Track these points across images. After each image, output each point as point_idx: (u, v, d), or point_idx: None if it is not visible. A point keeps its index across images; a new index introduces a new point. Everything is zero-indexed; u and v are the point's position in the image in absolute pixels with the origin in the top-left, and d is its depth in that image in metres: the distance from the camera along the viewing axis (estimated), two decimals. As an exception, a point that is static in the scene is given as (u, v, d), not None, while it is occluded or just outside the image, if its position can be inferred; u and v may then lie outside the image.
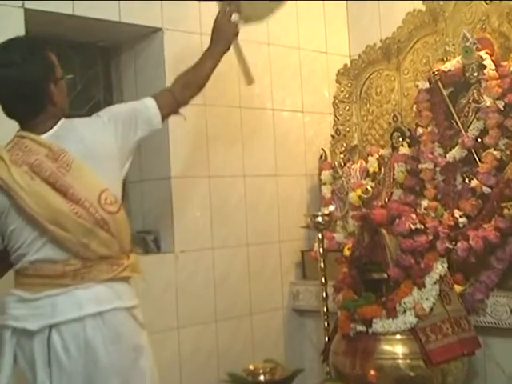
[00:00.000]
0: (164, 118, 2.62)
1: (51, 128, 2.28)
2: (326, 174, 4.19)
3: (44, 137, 2.26)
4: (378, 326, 3.13)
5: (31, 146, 2.24)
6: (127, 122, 2.41)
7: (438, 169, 3.61)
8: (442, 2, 3.83)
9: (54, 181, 2.17)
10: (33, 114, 2.28)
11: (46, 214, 2.16)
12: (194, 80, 2.81)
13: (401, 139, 3.89)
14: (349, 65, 4.40)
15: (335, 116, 4.38)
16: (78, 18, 3.36)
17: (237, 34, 3.03)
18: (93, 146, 2.27)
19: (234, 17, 3.00)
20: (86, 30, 3.53)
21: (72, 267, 2.18)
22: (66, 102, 2.43)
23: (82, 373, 2.16)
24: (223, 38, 2.93)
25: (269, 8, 3.23)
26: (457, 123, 3.57)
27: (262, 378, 3.49)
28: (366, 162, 4.07)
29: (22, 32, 3.01)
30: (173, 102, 2.68)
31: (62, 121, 2.32)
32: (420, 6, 3.96)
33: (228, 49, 2.98)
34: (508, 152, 3.32)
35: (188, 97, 2.77)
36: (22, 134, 2.29)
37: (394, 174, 3.87)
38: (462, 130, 3.52)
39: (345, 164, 4.17)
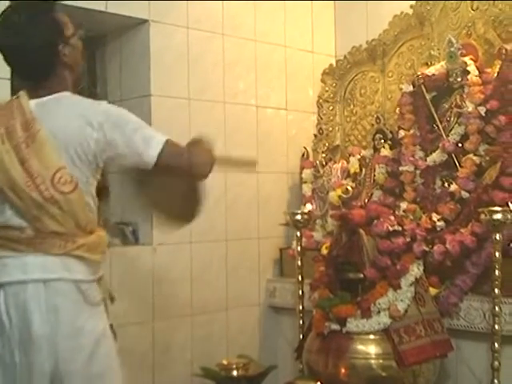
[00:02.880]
0: (163, 166, 2.27)
1: (48, 95, 2.24)
2: (307, 173, 4.21)
3: (33, 102, 2.22)
4: (352, 325, 3.15)
5: (15, 109, 2.22)
6: (115, 149, 2.22)
7: (418, 172, 3.63)
8: (429, 7, 3.85)
9: (18, 150, 2.15)
10: (40, 76, 2.25)
11: (5, 180, 2.15)
12: (207, 153, 2.42)
13: (383, 141, 3.91)
14: (334, 65, 4.42)
15: (319, 115, 4.40)
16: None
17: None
18: (64, 130, 2.19)
19: None
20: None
21: (26, 235, 2.16)
22: (79, 59, 2.34)
23: (17, 338, 2.13)
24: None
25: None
26: (438, 127, 3.60)
27: (235, 373, 3.51)
28: (348, 162, 4.09)
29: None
30: (186, 159, 2.31)
31: (64, 93, 2.26)
32: (407, 9, 3.98)
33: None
34: (487, 158, 3.35)
35: (207, 165, 2.37)
36: (20, 93, 2.26)
37: (374, 176, 3.89)
38: (443, 135, 3.54)
39: (326, 163, 4.19)
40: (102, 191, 2.61)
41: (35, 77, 2.27)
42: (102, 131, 2.19)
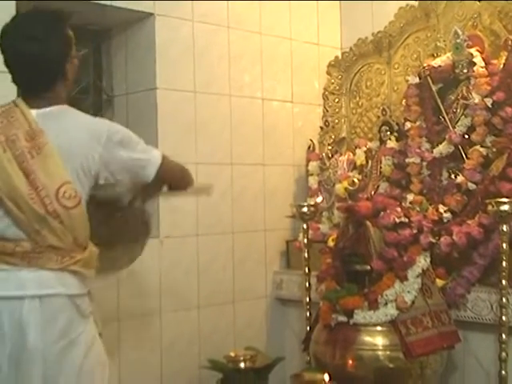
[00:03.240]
0: (161, 180, 2.42)
1: (48, 106, 2.24)
2: (314, 165, 4.21)
3: (35, 112, 2.22)
4: (360, 317, 3.15)
5: (17, 117, 2.21)
6: (118, 166, 2.28)
7: (424, 163, 3.63)
8: (434, -2, 3.85)
9: (21, 160, 2.15)
10: (43, 88, 2.26)
11: (6, 189, 2.14)
12: None
13: (389, 133, 3.91)
14: (340, 57, 4.41)
15: (324, 107, 4.40)
16: (69, 0, 3.35)
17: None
18: (72, 145, 2.20)
19: None
20: (77, 12, 3.50)
21: (22, 249, 2.15)
22: (73, 81, 2.38)
23: (8, 352, 2.13)
24: None
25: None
26: (445, 119, 3.59)
27: (242, 365, 3.52)
28: (354, 154, 4.09)
29: (12, 11, 3.00)
30: (182, 172, 2.52)
31: (63, 106, 2.28)
32: (413, 1, 3.97)
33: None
34: (494, 149, 3.34)
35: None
36: (19, 102, 2.26)
37: (380, 168, 3.89)
38: (450, 126, 3.54)
39: (332, 156, 4.19)
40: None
41: (37, 88, 2.27)
42: (107, 146, 2.22)
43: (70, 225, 2.17)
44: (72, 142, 2.19)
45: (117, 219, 2.44)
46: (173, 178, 2.47)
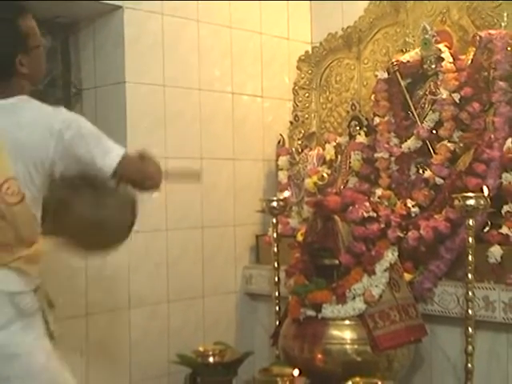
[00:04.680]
0: (119, 177, 2.30)
1: (4, 99, 2.19)
2: (283, 160, 4.21)
3: None
4: (328, 311, 3.17)
5: None
6: (74, 156, 2.20)
7: (392, 158, 3.64)
8: (403, -7, 3.86)
9: None
10: None
11: None
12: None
13: (358, 128, 3.93)
14: (310, 52, 4.42)
15: (294, 102, 4.40)
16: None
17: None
18: (24, 139, 2.15)
19: None
20: (44, 5, 3.47)
21: None
22: (40, 71, 2.33)
23: None
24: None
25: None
26: (413, 114, 3.61)
27: (211, 359, 3.53)
28: (323, 149, 4.10)
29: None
30: (141, 172, 2.38)
31: (22, 97, 2.22)
32: (383, -3, 3.98)
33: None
34: (461, 144, 3.37)
35: (160, 176, 2.45)
36: None
37: (350, 162, 3.90)
38: (418, 121, 3.56)
39: (302, 150, 4.19)
40: None
41: None
42: (61, 139, 2.16)
43: (12, 221, 2.12)
44: (24, 136, 2.14)
45: (103, 201, 2.32)
46: (134, 178, 2.34)
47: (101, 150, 2.24)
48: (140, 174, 2.36)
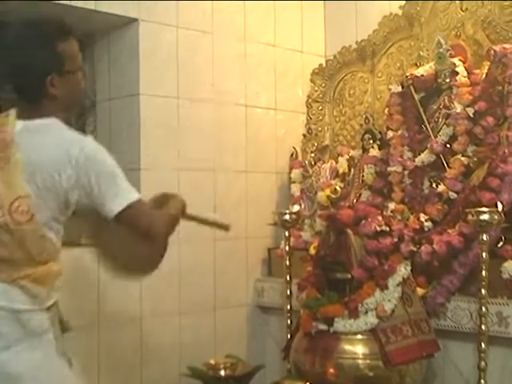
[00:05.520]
0: (122, 223, 2.24)
1: (35, 119, 2.20)
2: (296, 173, 4.21)
3: (21, 123, 2.19)
4: (340, 325, 3.15)
5: (5, 128, 2.18)
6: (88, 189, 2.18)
7: (406, 172, 3.63)
8: (418, 7, 3.85)
9: None
10: (27, 101, 2.23)
11: None
12: (171, 219, 2.43)
13: (371, 141, 3.92)
14: (324, 65, 4.42)
15: (308, 115, 4.40)
16: (53, 4, 3.34)
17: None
18: (41, 160, 2.15)
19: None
20: (60, 17, 3.49)
21: None
22: (73, 96, 2.32)
23: None
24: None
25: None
26: (427, 128, 3.60)
27: (222, 372, 3.50)
28: (336, 162, 4.10)
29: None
30: (146, 224, 2.27)
31: (50, 119, 2.22)
32: (397, 9, 3.98)
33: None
34: (475, 159, 3.35)
35: (165, 232, 2.36)
36: (11, 111, 2.24)
37: (363, 176, 3.89)
38: (432, 135, 3.55)
39: (315, 163, 4.19)
40: None
41: (22, 99, 2.24)
42: (76, 168, 2.14)
43: (20, 239, 2.12)
44: (42, 158, 2.14)
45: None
46: (137, 226, 2.26)
47: (112, 192, 2.19)
48: (144, 223, 2.26)
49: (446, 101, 3.56)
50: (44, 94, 2.22)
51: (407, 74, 3.72)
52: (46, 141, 2.18)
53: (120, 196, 2.19)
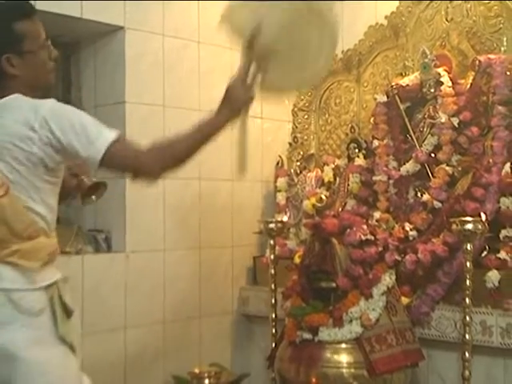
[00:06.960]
0: (109, 168, 2.19)
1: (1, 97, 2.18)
2: (282, 181, 4.21)
3: None
4: (324, 334, 3.15)
5: None
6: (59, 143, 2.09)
7: (391, 181, 3.65)
8: (403, 18, 3.87)
9: None
10: None
11: None
12: (170, 148, 2.26)
13: (357, 150, 3.93)
14: (310, 74, 4.42)
15: (294, 124, 4.40)
16: (39, 12, 3.32)
17: (250, 103, 2.41)
18: (6, 135, 2.10)
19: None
20: (46, 24, 3.46)
21: None
22: (37, 76, 2.25)
23: None
24: (231, 106, 2.34)
25: (301, 80, 2.62)
26: (412, 138, 3.62)
27: (206, 381, 3.51)
28: (322, 171, 4.10)
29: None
30: (132, 160, 2.16)
31: (14, 95, 2.17)
32: (382, 20, 4.00)
33: (231, 121, 2.39)
34: (460, 168, 3.37)
35: (156, 165, 2.19)
36: None
37: (348, 185, 3.90)
38: (417, 145, 3.56)
39: (301, 172, 4.19)
40: (99, 187, 2.53)
41: None
42: (47, 128, 2.08)
43: (1, 215, 2.08)
44: (5, 132, 2.10)
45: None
46: (124, 166, 2.20)
47: (86, 142, 2.08)
48: (131, 162, 2.16)
49: (431, 110, 3.58)
50: (2, 74, 2.19)
51: (392, 84, 3.74)
52: (7, 116, 2.13)
53: (95, 144, 2.08)
